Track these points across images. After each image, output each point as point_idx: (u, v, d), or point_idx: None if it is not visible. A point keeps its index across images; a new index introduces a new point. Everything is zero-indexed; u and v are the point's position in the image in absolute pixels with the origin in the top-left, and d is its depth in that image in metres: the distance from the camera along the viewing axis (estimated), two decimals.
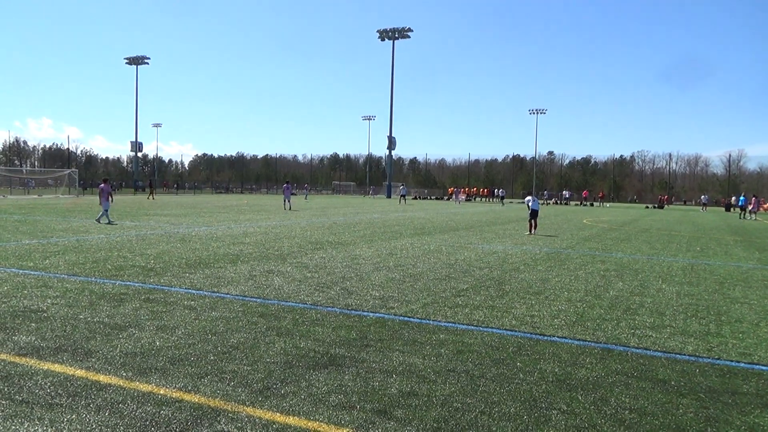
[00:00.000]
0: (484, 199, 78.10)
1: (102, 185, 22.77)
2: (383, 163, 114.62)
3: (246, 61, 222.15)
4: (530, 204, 21.83)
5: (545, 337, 6.78)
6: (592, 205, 67.42)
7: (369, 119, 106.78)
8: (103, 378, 5.01)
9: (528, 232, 21.61)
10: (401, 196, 58.67)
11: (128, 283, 9.45)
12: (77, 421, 4.15)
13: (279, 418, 4.30)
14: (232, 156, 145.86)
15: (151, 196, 52.77)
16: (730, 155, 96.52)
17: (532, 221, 21.67)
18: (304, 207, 41.38)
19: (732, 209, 60.34)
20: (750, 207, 41.48)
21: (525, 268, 12.32)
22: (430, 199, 79.74)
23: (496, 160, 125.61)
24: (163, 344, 6.03)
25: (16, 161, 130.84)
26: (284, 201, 36.31)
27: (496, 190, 77.17)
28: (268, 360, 5.61)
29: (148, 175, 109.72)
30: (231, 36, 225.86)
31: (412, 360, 5.75)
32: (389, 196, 62.62)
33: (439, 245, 16.58)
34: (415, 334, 6.74)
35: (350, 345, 6.20)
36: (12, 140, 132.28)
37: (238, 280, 9.88)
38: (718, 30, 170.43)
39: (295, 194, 57.18)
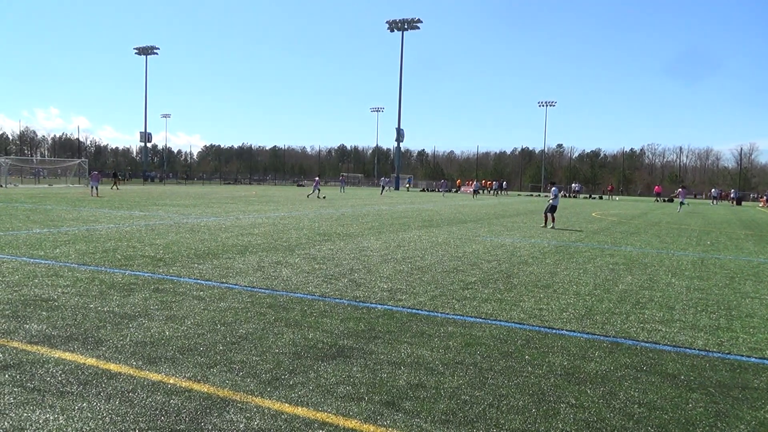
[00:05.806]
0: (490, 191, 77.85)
1: None
2: (391, 155, 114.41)
3: (254, 51, 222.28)
4: (552, 198, 21.23)
5: (554, 331, 6.76)
6: (601, 198, 67.10)
7: (377, 111, 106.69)
8: (113, 366, 5.04)
9: (543, 225, 21.36)
10: (382, 187, 62.53)
11: (137, 273, 9.50)
12: (88, 409, 4.18)
13: (287, 408, 4.31)
14: (239, 147, 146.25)
15: (114, 187, 48.89)
16: (741, 149, 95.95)
17: (548, 215, 21.16)
18: (312, 198, 41.47)
19: (736, 202, 59.84)
20: (680, 199, 40.21)
21: (533, 261, 12.28)
22: (429, 191, 79.67)
23: (505, 152, 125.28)
24: (172, 334, 6.07)
25: (26, 151, 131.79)
26: (314, 190, 42.46)
27: (469, 181, 77.02)
28: (276, 351, 5.63)
29: (157, 165, 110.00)
30: (239, 26, 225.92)
31: (421, 352, 5.75)
32: (397, 188, 63.48)
33: (447, 237, 16.55)
34: (423, 326, 6.74)
35: (358, 336, 6.20)
36: (22, 129, 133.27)
37: (247, 271, 9.91)
38: (728, 22, 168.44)
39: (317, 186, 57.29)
